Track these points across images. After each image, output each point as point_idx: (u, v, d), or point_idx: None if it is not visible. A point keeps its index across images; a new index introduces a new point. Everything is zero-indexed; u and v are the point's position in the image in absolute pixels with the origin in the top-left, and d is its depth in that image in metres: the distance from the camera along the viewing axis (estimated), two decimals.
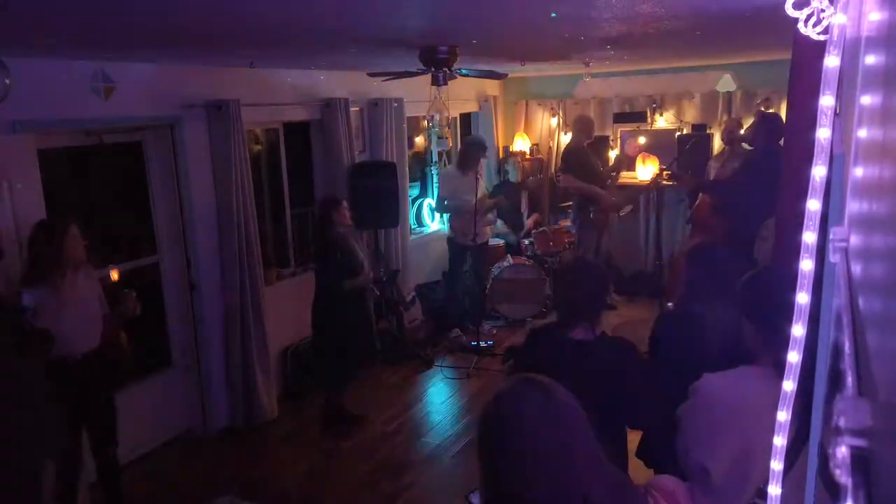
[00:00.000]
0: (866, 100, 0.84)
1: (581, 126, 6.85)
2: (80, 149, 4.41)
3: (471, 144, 6.48)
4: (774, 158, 3.70)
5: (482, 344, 6.28)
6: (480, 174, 6.30)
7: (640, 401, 2.40)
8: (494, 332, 6.73)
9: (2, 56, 3.40)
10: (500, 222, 7.47)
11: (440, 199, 6.66)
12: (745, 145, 6.16)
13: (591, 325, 2.48)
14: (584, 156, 6.74)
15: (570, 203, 7.20)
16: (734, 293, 2.08)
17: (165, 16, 2.67)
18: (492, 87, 8.28)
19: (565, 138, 8.35)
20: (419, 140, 7.98)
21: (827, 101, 0.89)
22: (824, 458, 0.75)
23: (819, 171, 0.90)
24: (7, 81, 3.45)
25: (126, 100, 4.30)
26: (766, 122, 5.15)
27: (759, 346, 1.99)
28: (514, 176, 7.78)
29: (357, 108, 6.28)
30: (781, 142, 4.23)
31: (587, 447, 1.35)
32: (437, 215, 7.57)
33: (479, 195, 6.08)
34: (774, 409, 1.02)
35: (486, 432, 1.38)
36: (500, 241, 7.50)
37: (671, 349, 2.66)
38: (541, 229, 7.28)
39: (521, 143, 8.39)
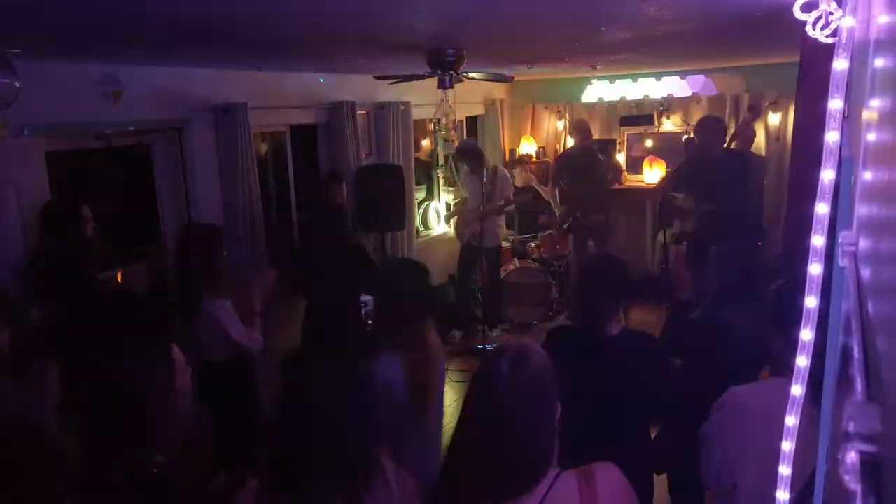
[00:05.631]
0: (875, 103, 0.83)
1: (580, 130, 6.87)
2: (88, 151, 4.43)
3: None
4: None
5: (489, 347, 6.26)
6: (491, 179, 6.30)
7: (662, 389, 2.41)
8: (500, 335, 6.71)
9: (11, 60, 3.42)
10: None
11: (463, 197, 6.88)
12: None
13: (619, 318, 2.49)
14: (578, 159, 6.77)
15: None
16: (759, 298, 2.06)
17: (177, 16, 2.69)
18: (498, 90, 8.26)
19: (570, 142, 8.34)
20: (426, 143, 7.98)
21: (835, 104, 0.89)
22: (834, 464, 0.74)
23: (827, 175, 0.90)
24: (16, 85, 3.46)
25: (134, 103, 4.31)
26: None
27: (790, 357, 1.95)
28: (519, 183, 7.78)
29: (364, 112, 6.28)
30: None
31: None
32: (443, 217, 7.68)
33: (486, 199, 6.10)
34: (808, 421, 1.02)
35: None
36: (507, 245, 7.48)
37: (699, 357, 2.65)
38: (547, 232, 7.26)
39: (528, 147, 8.38)
